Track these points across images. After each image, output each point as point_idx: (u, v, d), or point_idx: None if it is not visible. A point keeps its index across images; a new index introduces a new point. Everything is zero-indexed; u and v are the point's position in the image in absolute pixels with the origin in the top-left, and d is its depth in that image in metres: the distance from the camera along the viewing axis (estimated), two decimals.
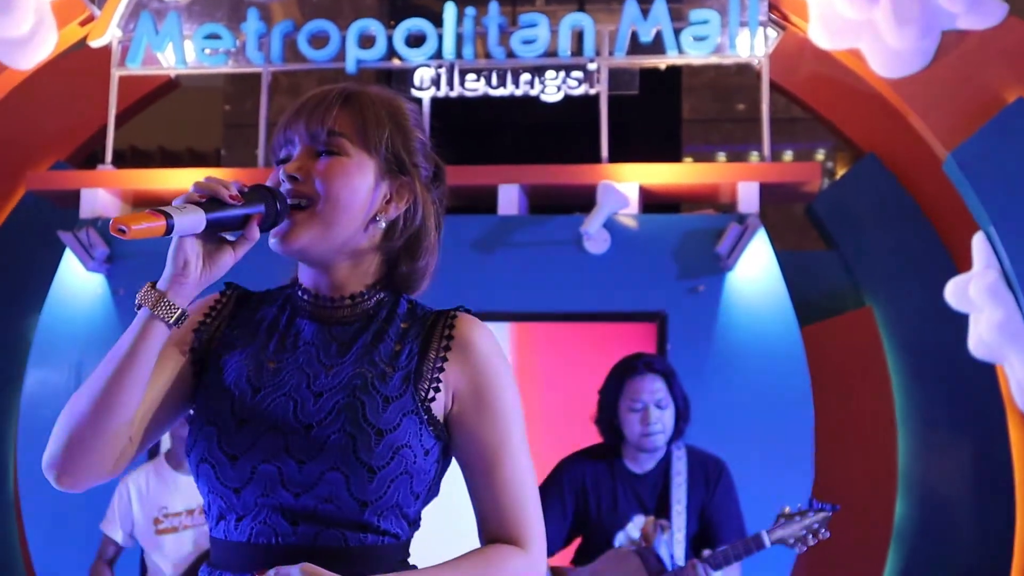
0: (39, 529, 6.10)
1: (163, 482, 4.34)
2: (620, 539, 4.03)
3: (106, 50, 6.59)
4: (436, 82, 6.45)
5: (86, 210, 6.38)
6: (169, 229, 1.60)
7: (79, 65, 6.78)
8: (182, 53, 6.58)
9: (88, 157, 7.49)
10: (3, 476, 6.56)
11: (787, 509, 3.88)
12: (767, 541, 3.84)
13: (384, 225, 1.82)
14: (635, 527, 4.02)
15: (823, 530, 3.86)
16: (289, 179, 1.77)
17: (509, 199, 6.28)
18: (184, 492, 4.30)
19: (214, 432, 1.76)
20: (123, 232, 1.57)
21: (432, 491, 1.80)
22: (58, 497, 5.98)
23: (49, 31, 6.53)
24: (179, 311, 1.71)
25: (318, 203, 1.76)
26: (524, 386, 5.96)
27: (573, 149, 6.65)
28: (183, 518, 4.28)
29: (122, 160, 6.75)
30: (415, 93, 6.47)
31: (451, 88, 6.44)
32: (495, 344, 1.84)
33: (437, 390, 1.78)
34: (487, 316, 5.84)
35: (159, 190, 6.51)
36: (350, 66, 6.48)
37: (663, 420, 4.00)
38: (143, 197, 6.61)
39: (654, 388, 4.03)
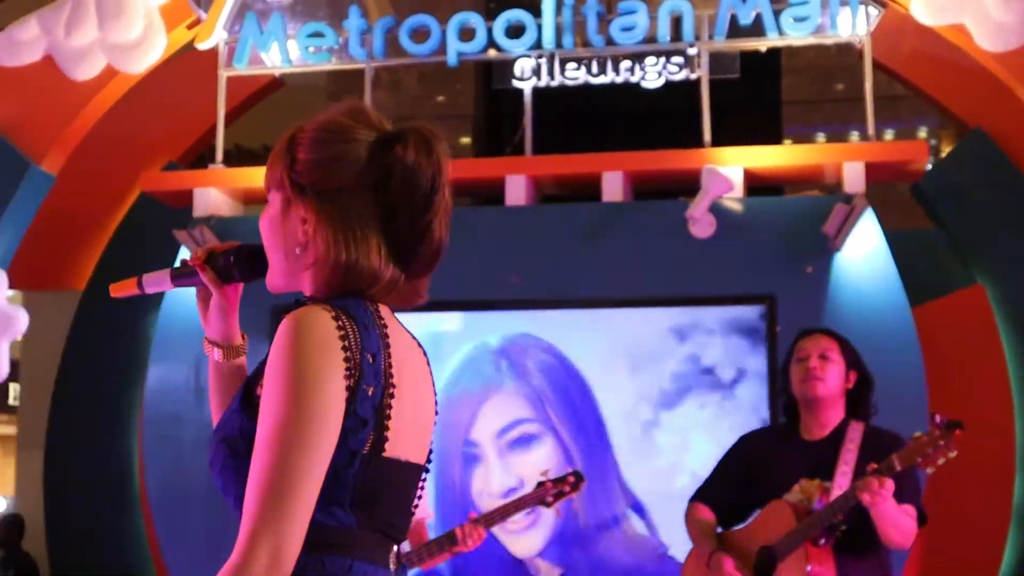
0: (166, 520, 6.25)
1: None
2: None
3: (213, 52, 6.73)
4: (536, 72, 6.50)
5: (199, 209, 6.53)
6: (140, 286, 2.12)
7: (187, 67, 6.93)
8: (286, 52, 6.70)
9: (197, 157, 7.66)
10: (129, 469, 6.73)
11: (916, 434, 3.89)
12: (896, 465, 3.85)
13: (299, 251, 1.92)
14: (800, 489, 4.08)
15: (950, 448, 3.84)
16: None
17: (613, 186, 6.30)
18: None
19: None
20: (111, 292, 2.14)
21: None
22: (184, 488, 6.17)
23: (158, 35, 6.69)
24: (210, 343, 2.14)
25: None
26: (632, 371, 6.00)
27: (675, 134, 6.65)
28: None
29: (228, 159, 6.88)
30: (516, 84, 6.52)
31: (551, 78, 6.48)
32: (288, 336, 1.80)
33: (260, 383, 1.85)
34: (594, 303, 5.89)
35: None
36: (451, 59, 6.55)
37: (826, 371, 4.10)
38: (253, 194, 6.75)
39: (820, 342, 4.16)
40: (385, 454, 1.86)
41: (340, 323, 1.83)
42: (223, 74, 6.73)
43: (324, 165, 1.93)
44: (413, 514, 1.96)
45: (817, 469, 4.12)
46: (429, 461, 1.99)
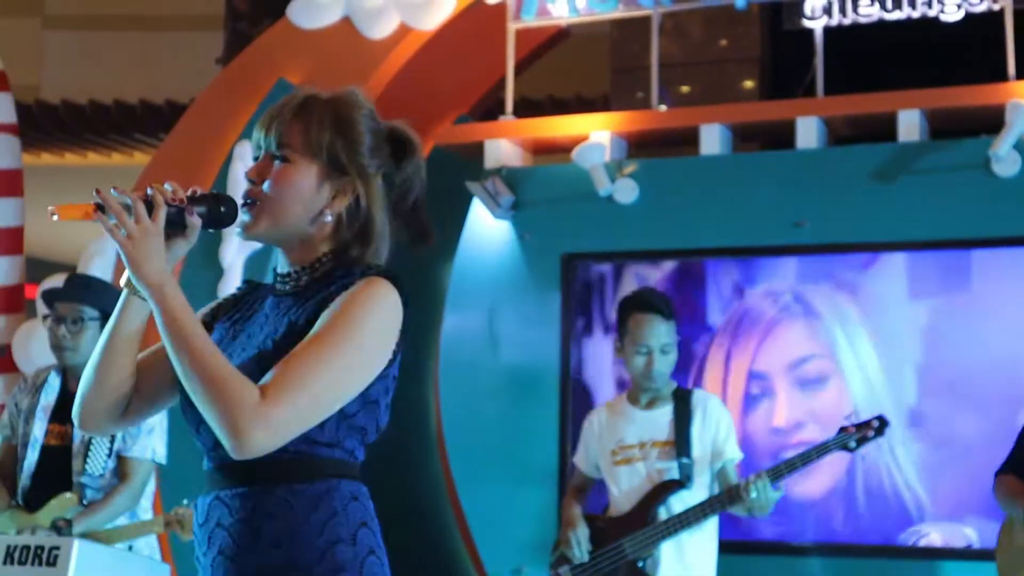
0: (463, 463, 6.46)
1: (621, 416, 4.51)
2: None
3: (501, 5, 6.83)
4: (828, 10, 6.32)
5: (490, 160, 6.66)
6: (100, 208, 2.04)
7: (476, 22, 7.05)
8: (573, 2, 6.74)
9: (486, 110, 7.81)
10: (426, 415, 6.98)
11: None
12: None
13: (330, 219, 2.20)
14: None
15: None
16: (247, 180, 2.21)
17: (909, 125, 6.08)
18: (640, 426, 4.45)
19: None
20: (53, 215, 2.05)
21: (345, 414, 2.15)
22: (478, 433, 6.35)
23: None
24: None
25: (266, 202, 2.17)
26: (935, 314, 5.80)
27: (976, 69, 6.35)
28: (635, 451, 4.44)
29: (516, 110, 6.98)
30: (806, 24, 6.36)
31: (843, 15, 6.29)
32: (373, 293, 2.12)
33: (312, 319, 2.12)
34: (891, 246, 5.71)
35: (556, 137, 6.72)
36: (739, 2, 6.44)
37: None
38: (542, 144, 6.84)
39: None
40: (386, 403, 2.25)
41: (404, 300, 2.17)
42: (512, 27, 6.82)
43: (374, 151, 2.24)
44: None
45: None
46: None
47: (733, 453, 4.43)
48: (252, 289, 2.37)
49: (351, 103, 2.24)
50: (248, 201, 2.20)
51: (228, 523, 2.12)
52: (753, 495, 4.20)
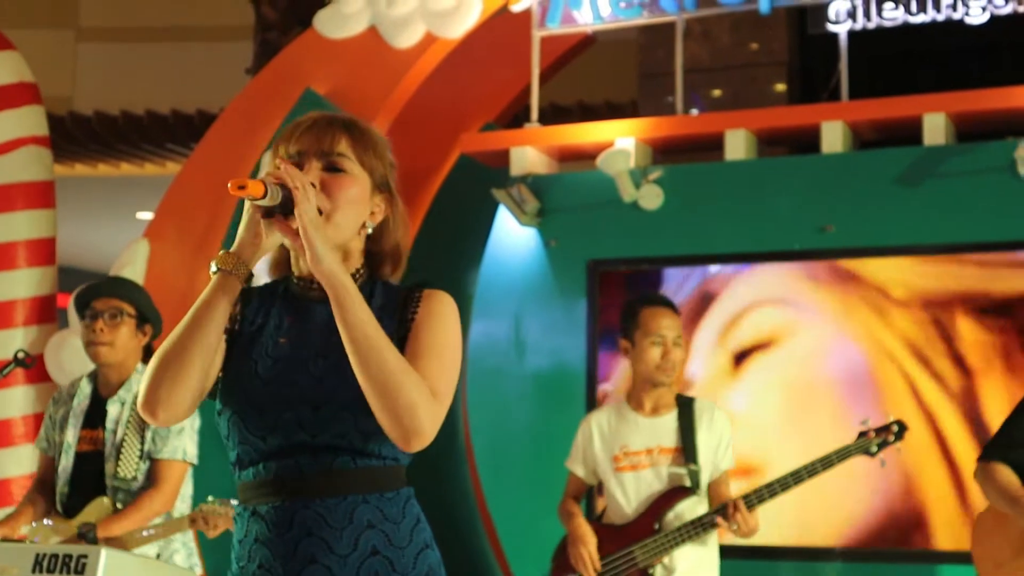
0: (491, 471, 6.48)
1: (625, 422, 4.52)
2: None
3: (526, 13, 6.85)
4: (852, 14, 6.31)
5: (516, 167, 6.68)
6: (265, 194, 2.14)
7: (502, 30, 7.08)
8: (597, 9, 6.75)
9: (513, 117, 7.84)
10: (455, 422, 7.01)
11: None
12: None
13: (371, 230, 2.33)
14: None
15: None
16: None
17: (935, 128, 6.07)
18: (646, 433, 4.46)
19: (243, 392, 2.25)
20: (242, 188, 2.12)
21: None
22: (506, 440, 6.36)
23: (475, 0, 6.86)
24: (248, 270, 2.22)
25: (330, 208, 2.24)
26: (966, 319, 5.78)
27: (1001, 71, 6.34)
28: (643, 457, 4.45)
29: (542, 117, 7.00)
30: (831, 28, 6.35)
31: (868, 19, 6.28)
32: (449, 306, 2.31)
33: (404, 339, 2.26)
34: (914, 249, 5.69)
35: (582, 144, 6.73)
36: (763, 6, 6.43)
37: None
38: (569, 151, 6.86)
39: None
40: None
41: None
42: (537, 34, 6.84)
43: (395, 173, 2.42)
44: None
45: None
46: None
47: (728, 463, 4.47)
48: (247, 297, 2.35)
49: (380, 134, 2.39)
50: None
51: (324, 532, 2.20)
52: (734, 527, 4.24)
